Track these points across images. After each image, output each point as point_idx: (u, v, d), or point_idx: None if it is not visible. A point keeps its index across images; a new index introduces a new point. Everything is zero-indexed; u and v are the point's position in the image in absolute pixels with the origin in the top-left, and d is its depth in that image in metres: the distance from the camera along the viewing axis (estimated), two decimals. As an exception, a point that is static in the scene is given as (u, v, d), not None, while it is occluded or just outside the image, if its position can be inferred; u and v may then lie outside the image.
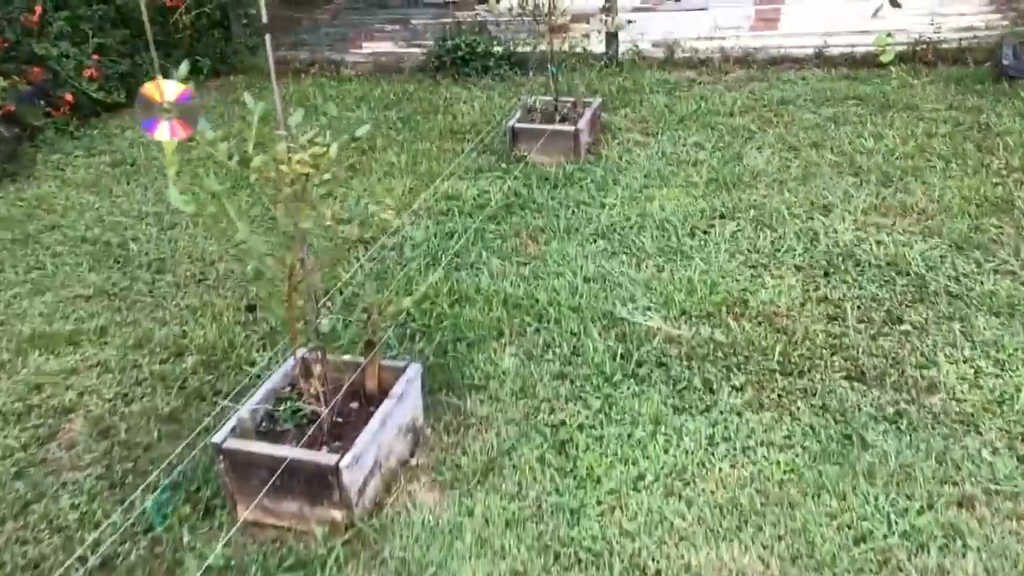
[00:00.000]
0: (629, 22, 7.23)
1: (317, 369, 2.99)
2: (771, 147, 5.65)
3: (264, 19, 2.66)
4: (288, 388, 3.17)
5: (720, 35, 7.93)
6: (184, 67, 2.48)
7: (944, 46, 7.03)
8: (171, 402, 3.62)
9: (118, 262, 4.87)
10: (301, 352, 3.10)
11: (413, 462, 3.16)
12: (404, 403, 3.13)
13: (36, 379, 3.82)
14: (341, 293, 4.06)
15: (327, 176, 2.62)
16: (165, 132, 2.28)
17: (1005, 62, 6.35)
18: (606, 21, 7.29)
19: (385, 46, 9.09)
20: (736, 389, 3.40)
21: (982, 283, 3.93)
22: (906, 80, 6.53)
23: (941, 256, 4.18)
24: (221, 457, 2.91)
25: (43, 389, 3.76)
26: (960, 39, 7.10)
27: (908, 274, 4.06)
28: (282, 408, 3.04)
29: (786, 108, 6.33)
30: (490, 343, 3.81)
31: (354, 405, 3.19)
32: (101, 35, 7.70)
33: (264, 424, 3.08)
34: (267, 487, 2.85)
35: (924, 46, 6.99)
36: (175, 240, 5.07)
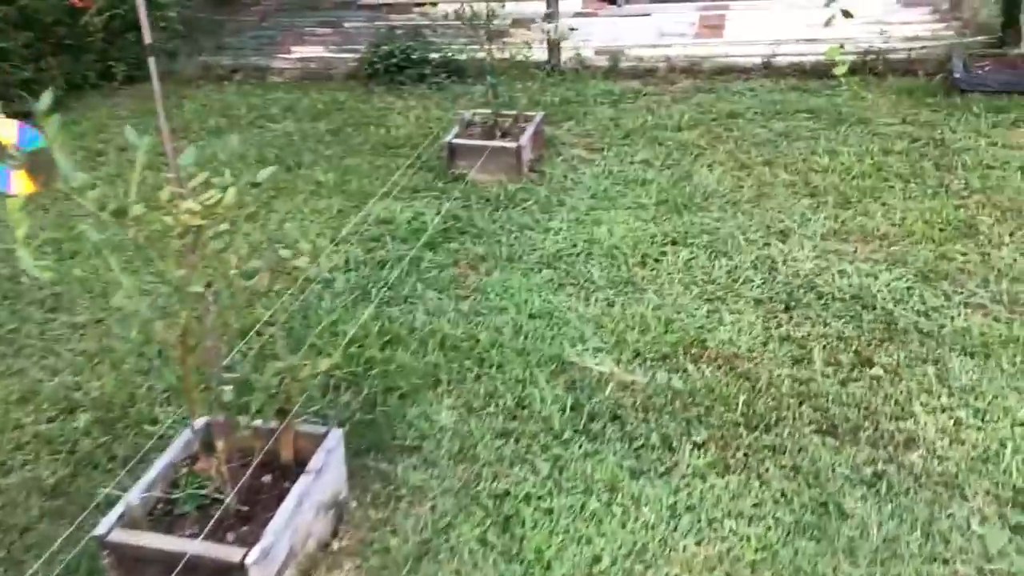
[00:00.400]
0: (572, 30, 6.89)
1: (220, 444, 2.57)
2: (722, 165, 5.36)
3: (147, 39, 2.23)
4: (188, 461, 2.74)
5: (665, 42, 7.64)
6: (47, 97, 2.03)
7: (893, 56, 6.84)
8: (58, 471, 3.16)
9: (7, 298, 4.35)
10: (202, 421, 2.68)
11: (335, 545, 2.75)
12: (324, 477, 2.73)
13: (-100, 444, 3.32)
14: (246, 353, 3.63)
15: (224, 226, 2.20)
16: (8, 185, 1.84)
17: (956, 75, 6.17)
18: (548, 29, 6.94)
19: (316, 51, 8.62)
20: (698, 447, 3.06)
21: (953, 319, 3.67)
22: (857, 92, 6.31)
23: (908, 288, 3.92)
24: (106, 552, 2.47)
25: (-93, 456, 3.26)
26: (909, 49, 6.92)
27: (875, 308, 3.78)
28: (180, 489, 2.61)
29: (735, 122, 6.06)
30: (425, 394, 3.42)
31: (267, 479, 2.78)
32: (2, 38, 7.10)
33: (160, 506, 2.64)
34: (161, 587, 2.43)
35: (873, 56, 6.80)
36: (73, 272, 4.57)
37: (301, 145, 6.21)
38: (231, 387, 2.66)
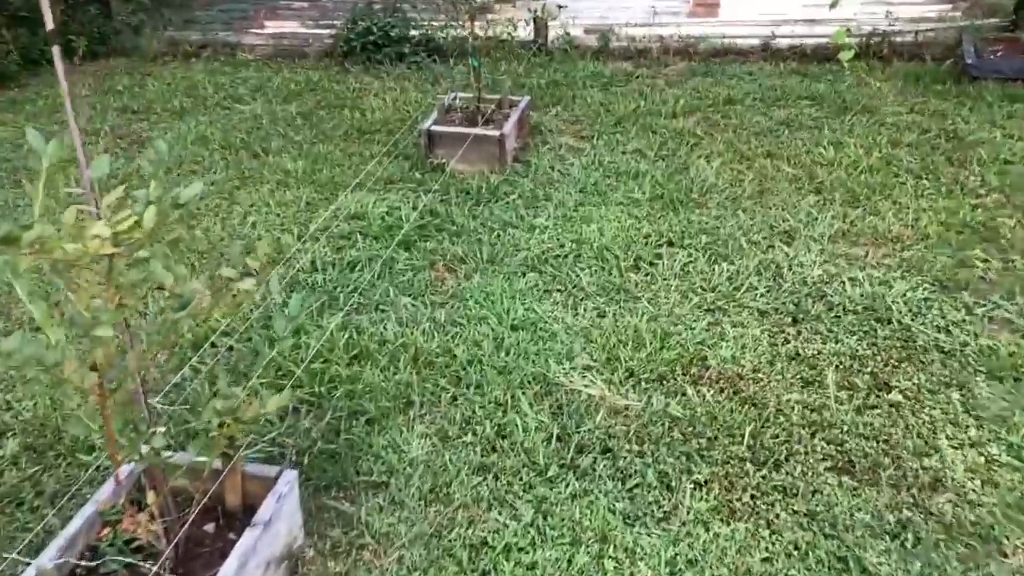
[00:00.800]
0: (560, 7, 6.49)
1: (152, 496, 2.21)
2: (720, 156, 5.00)
3: (49, 25, 1.84)
4: (114, 511, 2.37)
5: (658, 22, 7.24)
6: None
7: (899, 39, 6.48)
8: (-23, 508, 2.79)
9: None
10: (127, 469, 2.32)
11: (287, 607, 2.41)
12: (274, 528, 2.38)
13: None
14: (197, 371, 3.27)
15: (144, 252, 1.83)
16: None
17: (968, 61, 5.82)
18: (535, 8, 6.54)
19: (290, 26, 8.17)
20: (700, 486, 2.73)
21: (976, 335, 3.34)
22: (862, 77, 5.95)
23: (925, 299, 3.58)
24: (14, 625, 2.12)
25: None
26: (916, 32, 6.56)
27: (890, 322, 3.45)
28: (105, 544, 2.25)
29: (734, 109, 5.69)
30: (395, 419, 3.06)
31: (209, 528, 2.43)
32: (-49, 10, 6.64)
33: (86, 556, 2.28)
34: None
35: (878, 39, 6.44)
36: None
37: (270, 129, 5.80)
38: (163, 430, 2.30)
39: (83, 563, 2.19)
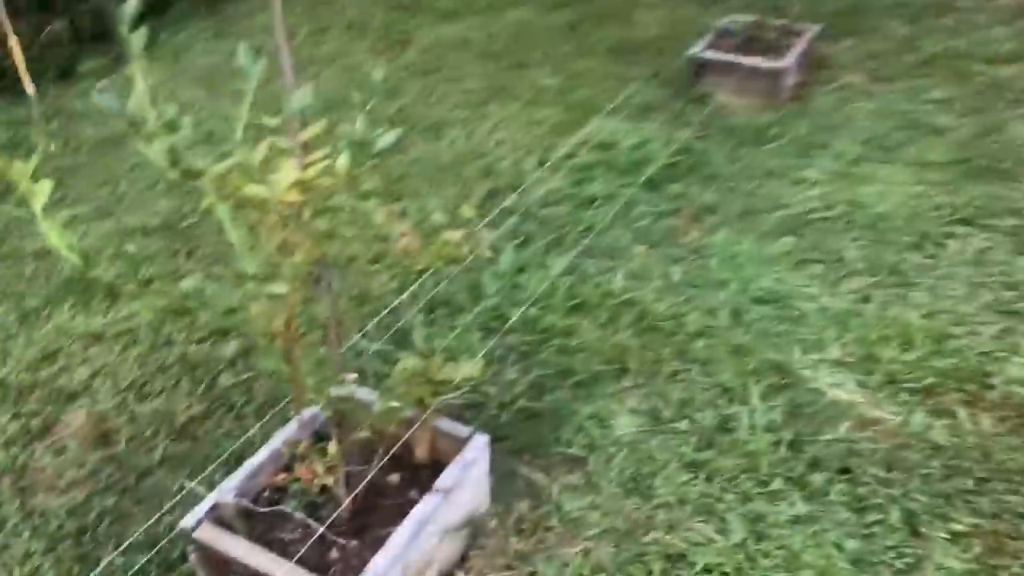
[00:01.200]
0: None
1: (332, 446, 2.09)
2: (1049, 117, 4.13)
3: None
4: (300, 448, 2.29)
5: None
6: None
7: None
8: (192, 405, 2.85)
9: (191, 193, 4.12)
10: (310, 413, 2.21)
11: (459, 580, 2.24)
12: (456, 496, 2.20)
13: (55, 342, 3.16)
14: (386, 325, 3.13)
15: (340, 197, 1.63)
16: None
17: None
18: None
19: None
20: (957, 539, 2.24)
21: None
22: None
23: None
24: (192, 548, 2.10)
25: (56, 358, 3.09)
26: None
27: None
28: (289, 481, 2.18)
29: (1077, 58, 4.69)
30: (606, 386, 2.78)
31: (393, 479, 2.30)
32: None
33: (262, 498, 2.23)
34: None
35: None
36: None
37: (533, 39, 5.54)
38: (354, 376, 2.16)
39: (259, 508, 2.12)
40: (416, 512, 2.10)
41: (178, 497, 2.47)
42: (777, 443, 2.53)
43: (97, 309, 3.32)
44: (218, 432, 2.73)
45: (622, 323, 3.02)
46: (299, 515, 2.14)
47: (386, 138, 1.61)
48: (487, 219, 3.40)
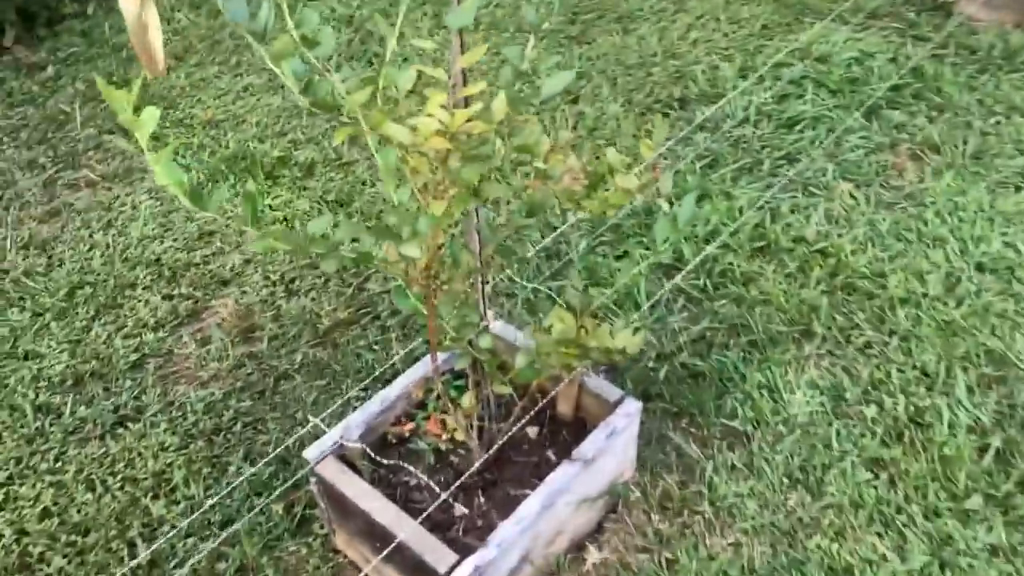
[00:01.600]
0: None
1: (467, 398, 1.89)
2: None
3: None
4: (429, 397, 2.12)
5: None
6: None
7: None
8: (338, 309, 2.74)
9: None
10: (445, 357, 2.02)
11: (591, 555, 2.04)
12: (597, 466, 1.98)
13: (212, 222, 3.10)
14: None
15: (493, 144, 1.35)
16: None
17: None
18: None
19: None
20: None
21: None
22: None
23: None
24: (314, 480, 2.00)
25: (212, 240, 3.04)
26: None
27: None
28: (409, 432, 2.03)
29: None
30: (785, 350, 2.44)
31: (532, 432, 2.10)
32: None
33: (394, 434, 2.09)
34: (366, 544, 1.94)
35: None
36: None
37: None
38: (499, 324, 1.94)
39: (382, 461, 1.97)
40: (551, 481, 1.90)
41: (310, 419, 2.38)
42: (982, 450, 2.15)
43: (257, 190, 3.23)
44: (360, 343, 2.61)
45: (813, 276, 2.64)
46: (422, 477, 1.97)
47: (553, 82, 1.31)
48: (671, 140, 3.03)
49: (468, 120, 1.24)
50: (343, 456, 1.98)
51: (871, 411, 2.26)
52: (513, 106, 1.30)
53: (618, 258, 2.77)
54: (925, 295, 2.56)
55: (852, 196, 2.94)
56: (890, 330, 2.47)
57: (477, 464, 1.90)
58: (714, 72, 3.60)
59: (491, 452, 1.92)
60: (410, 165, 1.39)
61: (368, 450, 1.95)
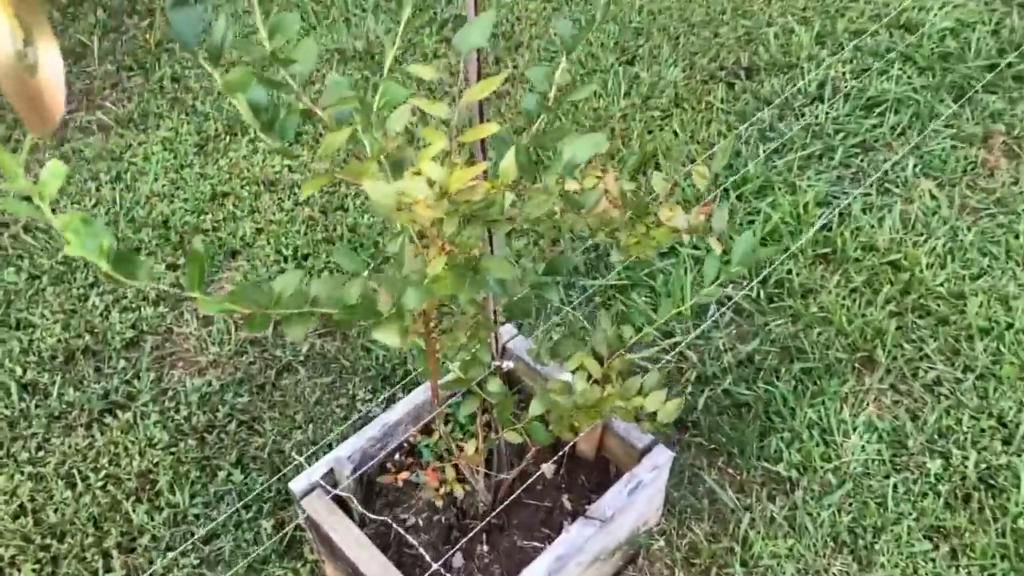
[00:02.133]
0: None
1: (471, 446, 1.66)
2: None
3: None
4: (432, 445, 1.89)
5: None
6: None
7: None
8: (351, 294, 2.51)
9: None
10: (445, 395, 1.78)
11: (602, 616, 1.83)
12: (616, 524, 1.75)
13: (226, 182, 2.87)
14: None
15: (502, 201, 1.08)
16: None
17: None
18: None
19: None
20: None
21: None
22: None
23: None
24: (302, 511, 1.80)
25: (225, 203, 2.81)
26: None
27: None
28: (402, 480, 1.81)
29: None
30: (843, 381, 2.16)
31: (547, 468, 1.87)
32: None
33: (397, 458, 1.88)
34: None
35: None
36: None
37: None
38: (510, 366, 1.69)
39: (369, 515, 1.76)
40: (561, 542, 1.67)
41: (309, 425, 2.18)
42: (1063, 525, 1.87)
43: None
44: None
45: (882, 293, 2.34)
46: (415, 542, 1.75)
47: (579, 148, 1.02)
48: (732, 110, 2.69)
49: (471, 180, 0.97)
50: (334, 484, 1.78)
51: (935, 465, 1.99)
52: (525, 172, 1.02)
53: (663, 256, 2.49)
54: (1010, 326, 2.24)
55: (933, 196, 2.60)
56: (965, 366, 2.17)
57: (480, 525, 1.69)
58: (788, 37, 3.22)
59: (498, 506, 1.70)
60: (403, 219, 1.12)
61: (355, 501, 1.73)
